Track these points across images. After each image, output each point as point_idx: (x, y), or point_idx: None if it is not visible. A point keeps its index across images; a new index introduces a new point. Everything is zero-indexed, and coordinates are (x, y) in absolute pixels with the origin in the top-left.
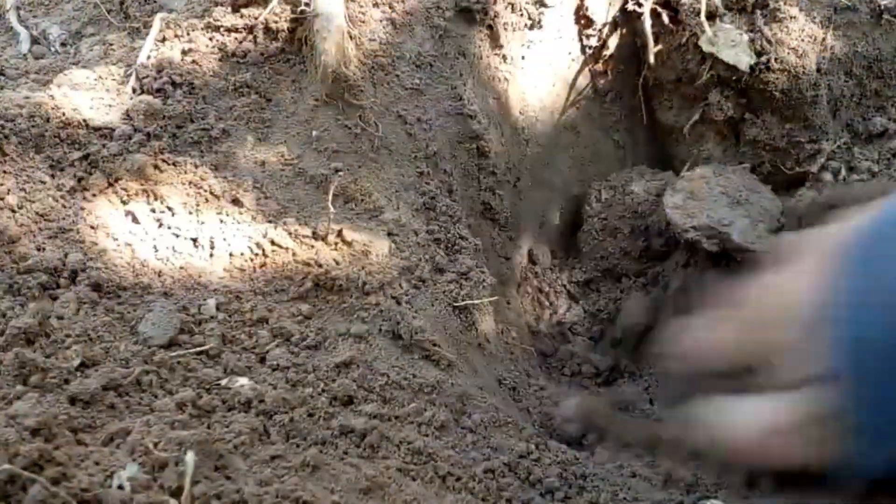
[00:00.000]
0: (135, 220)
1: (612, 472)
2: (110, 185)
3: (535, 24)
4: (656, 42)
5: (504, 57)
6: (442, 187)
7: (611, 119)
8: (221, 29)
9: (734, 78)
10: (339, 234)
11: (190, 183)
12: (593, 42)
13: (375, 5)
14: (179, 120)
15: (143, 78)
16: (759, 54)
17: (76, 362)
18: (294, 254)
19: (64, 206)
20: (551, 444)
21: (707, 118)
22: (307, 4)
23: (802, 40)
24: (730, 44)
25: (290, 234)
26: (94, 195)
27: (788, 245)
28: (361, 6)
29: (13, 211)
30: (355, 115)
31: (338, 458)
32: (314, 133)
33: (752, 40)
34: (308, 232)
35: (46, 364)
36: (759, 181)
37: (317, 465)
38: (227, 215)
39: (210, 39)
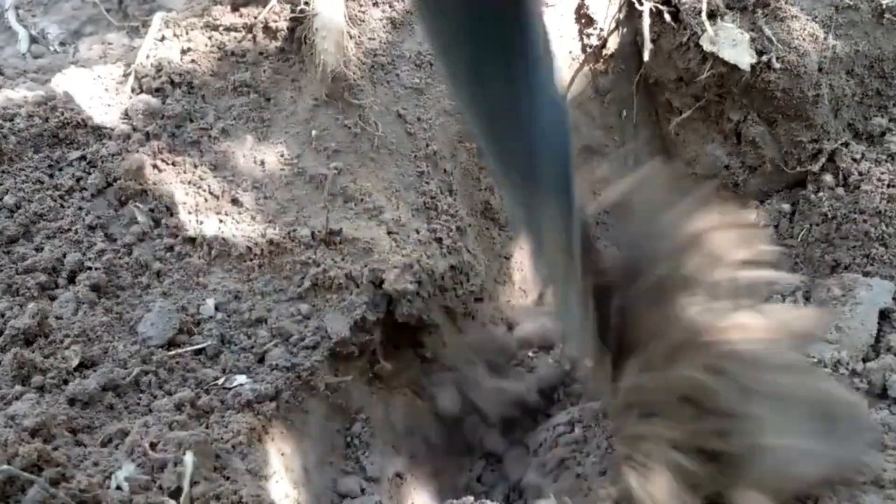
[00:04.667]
0: (134, 220)
1: None
2: (109, 185)
3: None
4: (657, 41)
5: None
6: (442, 187)
7: (611, 118)
8: (220, 28)
9: (735, 77)
10: (339, 233)
11: (189, 183)
12: (594, 41)
13: (375, 4)
14: (178, 119)
15: (142, 77)
16: (760, 53)
17: (75, 362)
18: (293, 253)
19: (62, 207)
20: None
21: (708, 118)
22: (307, 3)
23: (804, 39)
24: (731, 43)
25: (289, 233)
26: (92, 195)
27: None
28: (361, 5)
29: (12, 211)
30: (355, 115)
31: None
32: (314, 132)
33: (753, 39)
34: (307, 231)
35: (45, 364)
36: None
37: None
38: (227, 215)
39: (209, 38)
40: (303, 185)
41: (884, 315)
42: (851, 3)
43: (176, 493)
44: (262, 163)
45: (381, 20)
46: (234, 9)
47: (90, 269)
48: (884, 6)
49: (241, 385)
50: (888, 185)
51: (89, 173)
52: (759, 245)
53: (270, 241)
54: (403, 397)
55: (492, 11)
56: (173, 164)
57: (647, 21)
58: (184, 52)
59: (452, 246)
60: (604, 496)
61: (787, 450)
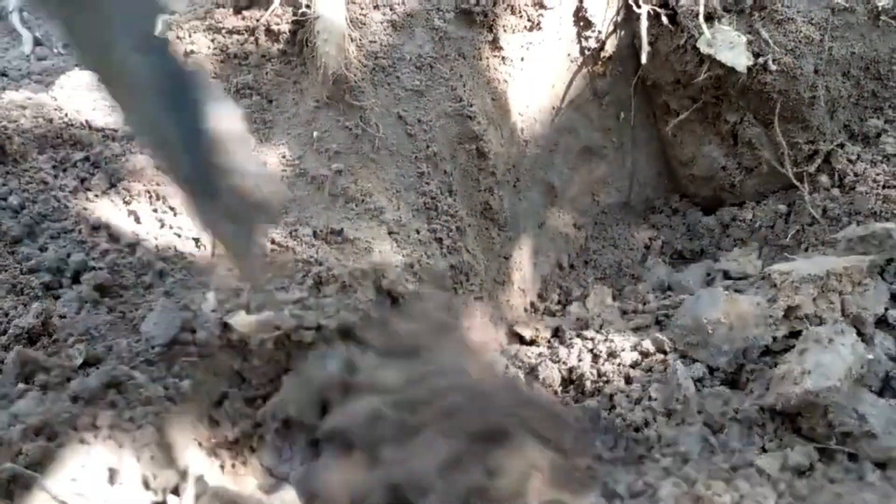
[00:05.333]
0: (137, 220)
1: None
2: (113, 185)
3: (534, 26)
4: (655, 43)
5: (504, 58)
6: (442, 187)
7: (609, 120)
8: (223, 31)
9: (732, 79)
10: (340, 233)
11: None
12: (592, 44)
13: (376, 7)
14: None
15: None
16: (756, 56)
17: (79, 361)
18: (295, 252)
19: (66, 207)
20: None
21: (705, 119)
22: (308, 6)
23: (800, 42)
24: (728, 45)
25: (290, 233)
26: (96, 196)
27: None
28: (362, 8)
29: (16, 211)
30: (356, 117)
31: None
32: (315, 134)
33: (750, 42)
34: (309, 231)
35: (49, 363)
36: None
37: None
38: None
39: (212, 41)
40: (304, 185)
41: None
42: (847, 5)
43: (178, 491)
44: (265, 164)
45: (381, 23)
46: (237, 12)
47: (94, 268)
48: (879, 9)
49: None
50: (883, 186)
51: (93, 174)
52: None
53: (272, 241)
54: None
55: None
56: None
57: (644, 24)
58: (187, 54)
59: (452, 246)
60: None
61: None
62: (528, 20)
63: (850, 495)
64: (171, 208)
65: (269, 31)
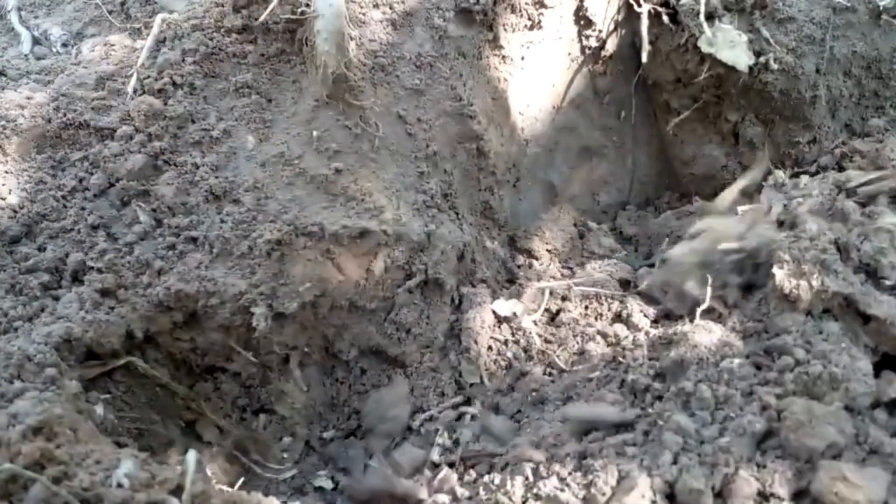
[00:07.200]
0: (136, 219)
1: None
2: (111, 185)
3: (534, 25)
4: (656, 42)
5: (504, 57)
6: (442, 186)
7: (610, 119)
8: (222, 29)
9: (733, 78)
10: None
11: (191, 183)
12: (593, 43)
13: (376, 6)
14: (180, 120)
15: (144, 79)
16: (757, 55)
17: None
18: (297, 252)
19: (65, 207)
20: None
21: (706, 118)
22: (307, 5)
23: (801, 41)
24: (729, 44)
25: (290, 233)
26: (95, 195)
27: None
28: (362, 7)
29: (14, 211)
30: (356, 116)
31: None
32: (315, 133)
33: (751, 41)
34: (309, 231)
35: None
36: None
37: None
38: (228, 215)
39: (210, 40)
40: (304, 184)
41: None
42: (848, 4)
43: (177, 491)
44: (264, 163)
45: (381, 22)
46: (236, 10)
47: (92, 269)
48: (881, 8)
49: None
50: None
51: (92, 174)
52: None
53: (269, 241)
54: None
55: None
56: (175, 164)
57: (645, 23)
58: (185, 53)
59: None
60: None
61: None
62: (529, 19)
63: None
64: (170, 208)
65: (268, 30)
